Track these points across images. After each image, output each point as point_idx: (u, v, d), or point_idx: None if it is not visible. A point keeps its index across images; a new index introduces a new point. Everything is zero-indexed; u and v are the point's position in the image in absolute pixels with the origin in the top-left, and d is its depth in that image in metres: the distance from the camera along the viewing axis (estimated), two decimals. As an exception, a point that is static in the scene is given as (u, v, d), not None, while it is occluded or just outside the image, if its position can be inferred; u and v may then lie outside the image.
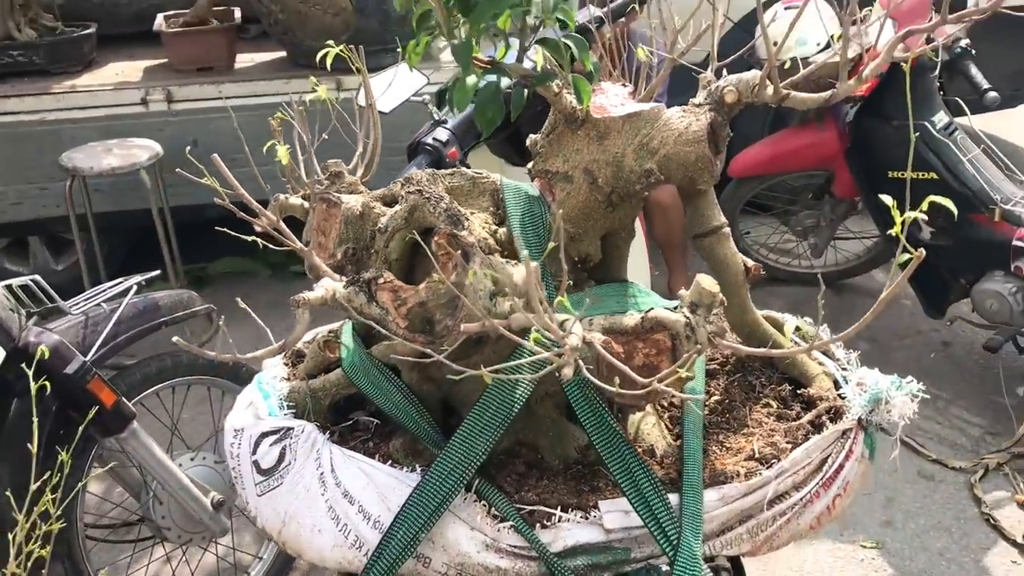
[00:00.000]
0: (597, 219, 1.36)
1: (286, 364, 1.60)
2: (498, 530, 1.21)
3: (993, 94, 3.17)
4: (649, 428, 1.36)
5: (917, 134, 3.23)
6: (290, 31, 4.01)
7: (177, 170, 1.33)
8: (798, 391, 1.45)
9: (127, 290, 2.32)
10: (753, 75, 1.32)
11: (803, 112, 3.74)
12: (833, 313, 1.07)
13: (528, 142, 1.40)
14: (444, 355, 1.02)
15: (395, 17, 3.88)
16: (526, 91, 1.32)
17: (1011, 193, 3.25)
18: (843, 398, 1.40)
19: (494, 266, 1.11)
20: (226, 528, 2.37)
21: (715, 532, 1.25)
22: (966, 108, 3.29)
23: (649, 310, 1.15)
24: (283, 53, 4.25)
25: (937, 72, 3.29)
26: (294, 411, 1.42)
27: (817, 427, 1.36)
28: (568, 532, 1.21)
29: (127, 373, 2.33)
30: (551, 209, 1.33)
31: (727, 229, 1.45)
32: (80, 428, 1.75)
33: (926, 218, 0.86)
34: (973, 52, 3.29)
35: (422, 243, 1.13)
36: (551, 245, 1.08)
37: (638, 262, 2.63)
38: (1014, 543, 2.75)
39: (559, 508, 1.23)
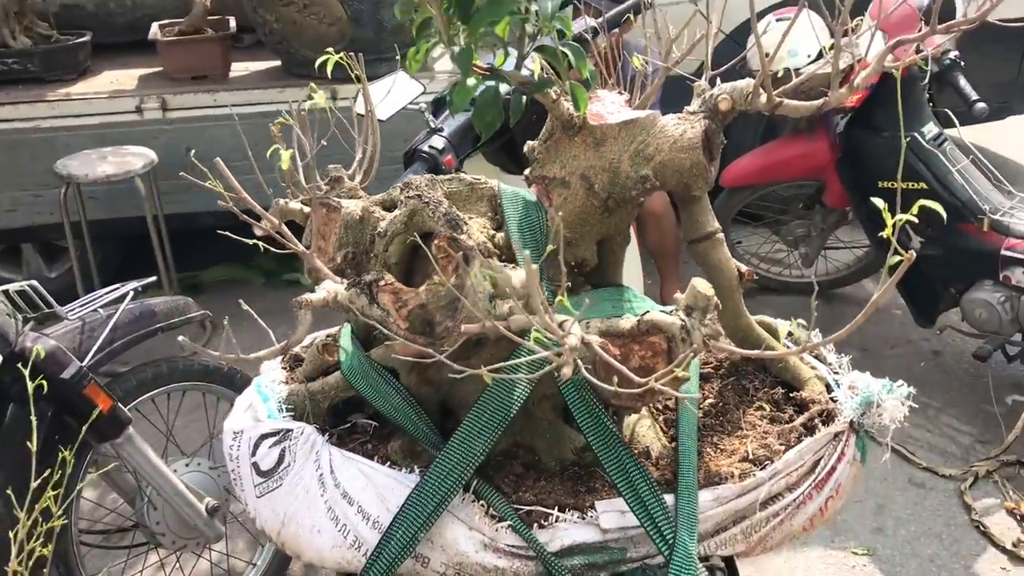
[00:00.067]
0: (593, 224, 1.38)
1: (284, 368, 1.61)
2: (496, 530, 1.22)
3: (981, 105, 3.21)
4: (644, 430, 1.38)
5: (908, 138, 3.27)
6: (285, 40, 4.04)
7: (181, 174, 1.34)
8: (791, 394, 1.48)
9: (123, 296, 2.33)
10: (747, 83, 1.35)
11: (794, 123, 3.77)
12: (824, 322, 1.09)
13: (526, 148, 1.42)
14: (444, 357, 1.04)
15: (390, 27, 3.91)
16: (524, 98, 1.34)
17: (999, 203, 3.28)
18: (835, 401, 1.42)
19: (493, 269, 1.13)
20: (220, 534, 2.37)
21: (710, 532, 1.27)
22: (955, 119, 3.33)
23: (645, 313, 1.17)
24: (278, 62, 4.28)
25: (927, 83, 3.33)
26: (293, 414, 1.44)
27: (810, 430, 1.38)
28: (565, 532, 1.22)
29: (123, 379, 2.33)
30: (549, 213, 1.35)
31: (721, 235, 1.47)
32: (81, 430, 1.76)
33: (916, 221, 0.88)
34: (962, 64, 3.33)
35: (423, 246, 1.15)
36: (549, 248, 1.10)
37: (632, 270, 2.65)
38: (1003, 549, 2.77)
39: (556, 508, 1.24)
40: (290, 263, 4.50)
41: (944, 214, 0.95)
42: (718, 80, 1.42)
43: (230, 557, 2.61)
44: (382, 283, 1.13)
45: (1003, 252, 3.17)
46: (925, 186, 3.27)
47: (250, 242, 1.26)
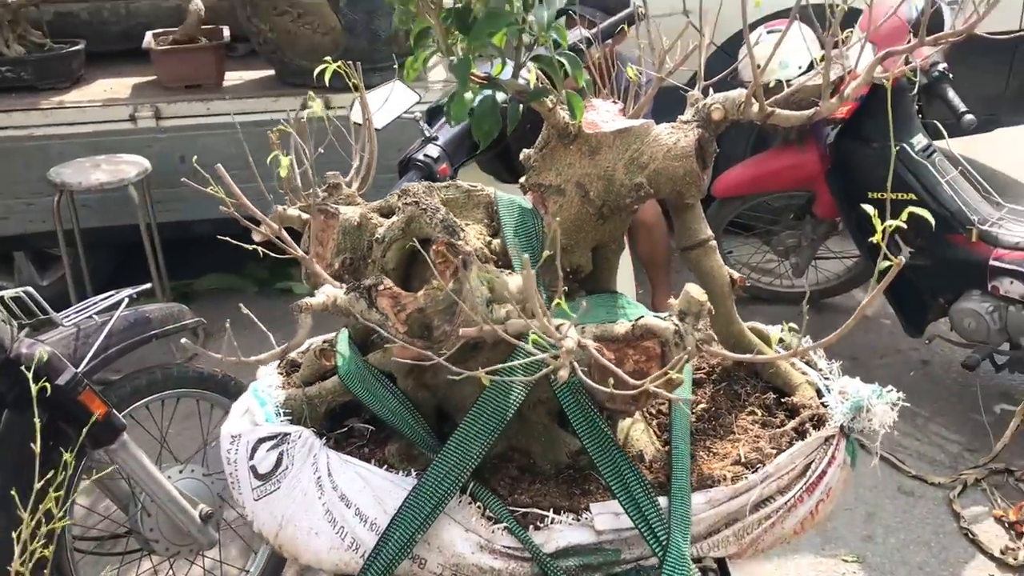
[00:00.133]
0: (588, 231, 1.40)
1: (280, 373, 1.62)
2: (492, 531, 1.24)
3: (970, 117, 3.25)
4: (638, 434, 1.40)
5: (897, 147, 3.30)
6: (279, 50, 4.05)
7: (183, 180, 1.36)
8: (782, 400, 1.50)
9: (118, 303, 2.33)
10: (739, 93, 1.37)
11: (785, 134, 3.81)
12: (814, 331, 1.11)
13: (522, 156, 1.44)
14: (440, 362, 1.06)
15: (384, 37, 3.93)
16: (521, 106, 1.37)
17: (988, 214, 3.32)
18: (825, 406, 1.44)
19: (491, 274, 1.15)
20: (214, 541, 2.38)
21: (702, 534, 1.28)
22: (944, 131, 3.37)
23: (639, 318, 1.19)
24: (271, 71, 4.29)
25: (916, 95, 3.37)
26: (290, 418, 1.45)
27: (801, 434, 1.40)
28: (560, 533, 1.24)
29: (117, 385, 2.34)
30: (546, 220, 1.37)
31: (714, 242, 1.50)
32: (76, 435, 1.77)
33: (905, 227, 0.90)
34: (950, 76, 3.37)
35: (422, 251, 1.17)
36: (546, 253, 1.12)
37: (624, 278, 2.68)
38: (992, 557, 2.79)
39: (551, 510, 1.26)
40: (283, 272, 4.52)
41: (932, 221, 0.97)
42: (711, 90, 1.44)
43: (223, 564, 2.61)
44: (381, 287, 1.15)
45: (991, 262, 3.20)
46: (914, 197, 3.30)
47: (249, 247, 1.28)
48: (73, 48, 4.25)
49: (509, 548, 1.24)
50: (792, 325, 1.36)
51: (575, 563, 1.23)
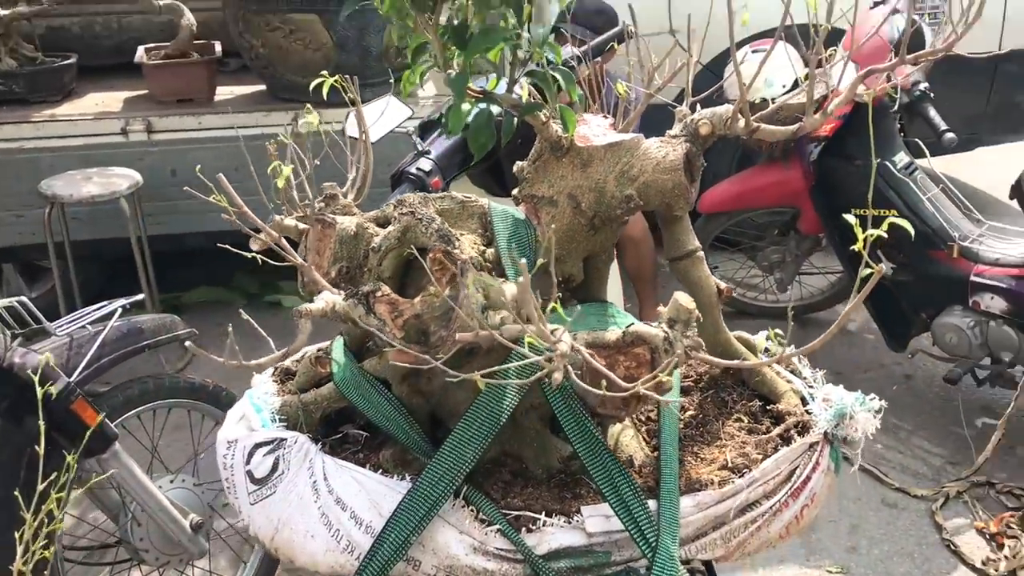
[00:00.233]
0: (580, 242, 1.44)
1: (275, 381, 1.65)
2: (486, 534, 1.27)
3: (950, 135, 3.31)
4: (628, 440, 1.43)
5: (878, 160, 3.35)
6: (271, 65, 4.09)
7: (185, 188, 1.39)
8: (768, 407, 1.53)
9: (111, 313, 2.35)
10: (726, 109, 1.42)
11: (769, 151, 3.86)
12: (798, 345, 1.14)
13: (515, 168, 1.48)
14: (438, 365, 1.09)
15: (375, 53, 3.98)
16: (515, 119, 1.40)
17: (968, 231, 3.38)
18: (810, 413, 1.48)
19: (486, 281, 1.18)
20: (204, 550, 2.39)
21: (691, 537, 1.32)
22: (926, 149, 3.43)
23: (629, 325, 1.22)
24: (263, 86, 4.33)
25: (898, 113, 3.43)
26: (286, 424, 1.47)
27: (786, 440, 1.43)
28: (552, 536, 1.27)
29: (109, 395, 2.35)
30: (540, 229, 1.41)
31: (701, 253, 1.54)
32: (71, 442, 1.78)
33: (886, 236, 0.94)
34: (932, 95, 3.43)
35: (420, 258, 1.20)
36: (540, 262, 1.16)
37: (612, 292, 2.71)
38: (973, 568, 2.83)
39: (543, 513, 1.29)
40: (271, 285, 4.54)
41: (912, 231, 1.01)
42: (698, 107, 1.49)
43: (212, 574, 2.62)
44: (379, 294, 1.18)
45: (972, 278, 3.26)
46: (896, 213, 3.36)
47: (248, 255, 1.31)
48: (65, 62, 4.27)
49: (502, 550, 1.26)
50: (777, 331, 1.39)
51: (566, 565, 1.26)
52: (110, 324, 2.31)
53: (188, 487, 2.44)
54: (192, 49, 4.27)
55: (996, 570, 2.81)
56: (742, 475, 1.35)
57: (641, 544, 1.25)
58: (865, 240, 0.94)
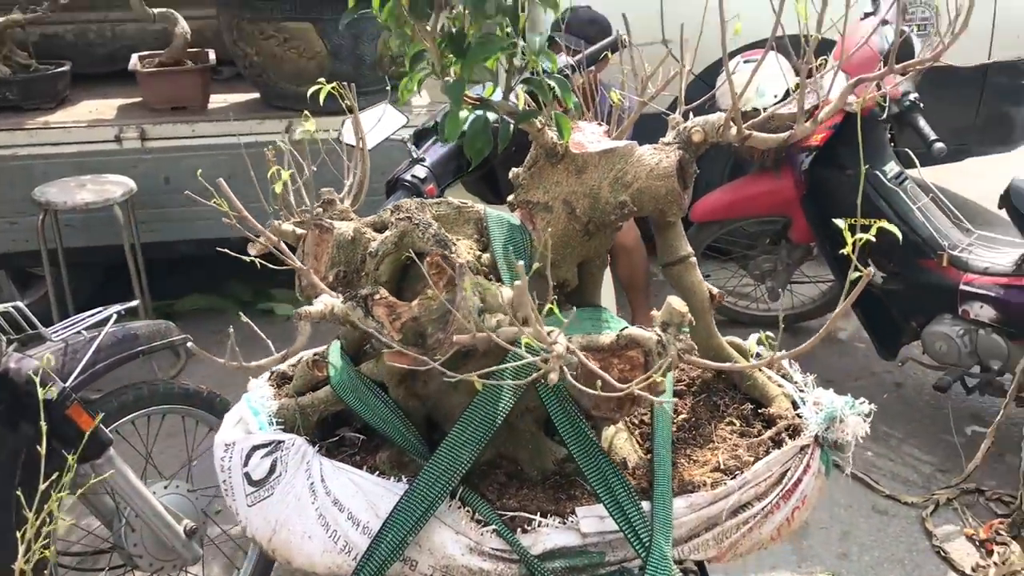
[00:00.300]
0: (575, 247, 1.46)
1: (271, 385, 1.66)
2: (481, 534, 1.28)
3: (940, 145, 3.33)
4: (622, 443, 1.45)
5: (869, 169, 3.38)
6: (265, 73, 4.11)
7: (186, 192, 1.40)
8: (759, 410, 1.55)
9: (106, 319, 2.36)
10: (719, 117, 1.44)
11: (761, 161, 3.89)
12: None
13: (511, 175, 1.50)
14: (432, 369, 1.10)
15: (369, 62, 4.00)
16: (511, 126, 1.42)
17: (958, 240, 3.41)
18: (801, 417, 1.50)
19: (483, 285, 1.20)
20: (198, 556, 2.39)
21: (684, 538, 1.33)
22: (915, 159, 3.46)
23: (623, 328, 1.24)
24: (256, 94, 4.34)
25: (887, 122, 3.46)
26: (283, 427, 1.49)
27: (777, 443, 1.45)
28: (547, 536, 1.28)
29: (104, 400, 2.36)
30: (536, 233, 1.43)
31: (694, 259, 1.56)
32: (65, 447, 1.79)
33: (874, 239, 0.96)
34: (921, 106, 3.46)
35: (418, 262, 1.22)
36: (535, 265, 1.18)
37: (605, 300, 2.73)
38: (963, 574, 2.85)
39: (538, 514, 1.31)
40: (264, 293, 4.54)
41: (900, 235, 1.03)
42: (690, 115, 1.51)
43: (206, 581, 2.63)
44: (377, 297, 1.20)
45: (961, 287, 3.29)
46: (887, 222, 3.38)
47: (244, 260, 1.32)
48: (59, 69, 4.28)
49: (497, 550, 1.28)
50: (768, 334, 1.41)
51: (561, 565, 1.27)
52: (105, 330, 2.32)
53: (182, 493, 2.44)
54: (186, 57, 4.28)
55: (985, 576, 2.83)
56: (734, 477, 1.37)
57: (635, 544, 1.27)
58: (854, 244, 0.96)
